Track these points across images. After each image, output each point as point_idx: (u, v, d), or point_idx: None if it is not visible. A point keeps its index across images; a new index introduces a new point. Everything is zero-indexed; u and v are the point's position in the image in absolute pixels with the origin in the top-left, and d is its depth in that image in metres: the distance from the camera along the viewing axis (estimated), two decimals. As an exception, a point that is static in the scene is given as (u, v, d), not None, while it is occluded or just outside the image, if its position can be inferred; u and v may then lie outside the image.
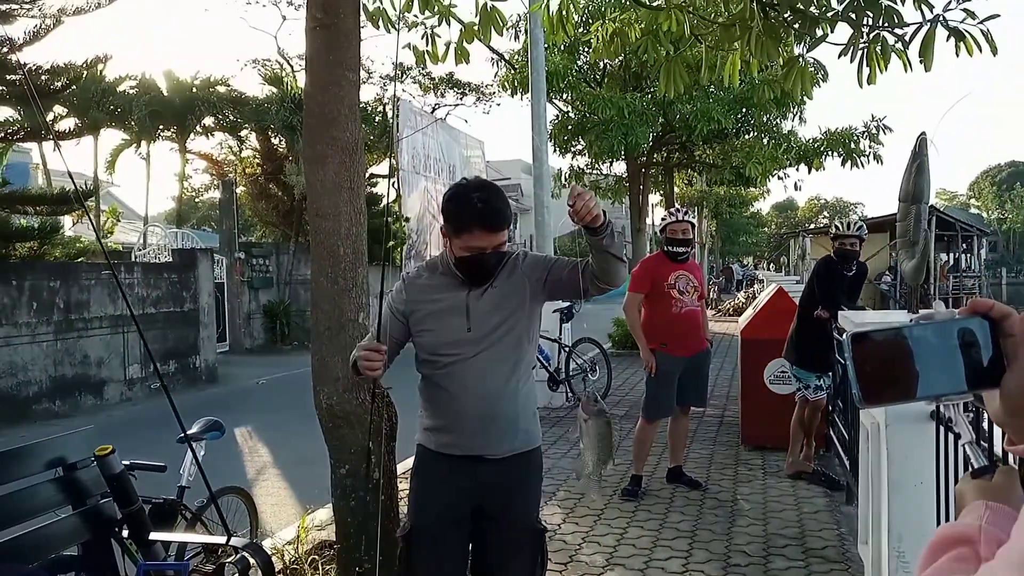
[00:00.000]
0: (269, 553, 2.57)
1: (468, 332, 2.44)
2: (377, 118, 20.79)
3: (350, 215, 3.42)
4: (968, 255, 29.67)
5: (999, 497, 0.82)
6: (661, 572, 4.24)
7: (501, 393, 2.46)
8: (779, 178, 16.47)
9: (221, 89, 20.01)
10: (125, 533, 2.61)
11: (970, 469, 0.92)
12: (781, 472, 6.04)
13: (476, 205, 2.36)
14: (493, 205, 2.38)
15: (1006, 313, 0.84)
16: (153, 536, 2.67)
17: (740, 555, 4.46)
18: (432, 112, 21.50)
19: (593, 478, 2.73)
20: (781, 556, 4.43)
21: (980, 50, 4.20)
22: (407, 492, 2.69)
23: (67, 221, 14.11)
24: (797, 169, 15.87)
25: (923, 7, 4.06)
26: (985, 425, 2.36)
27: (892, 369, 0.85)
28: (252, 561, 2.45)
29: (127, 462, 3.21)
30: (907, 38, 4.11)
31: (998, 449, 2.10)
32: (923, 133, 5.45)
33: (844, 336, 0.88)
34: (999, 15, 4.10)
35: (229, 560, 2.45)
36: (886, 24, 4.15)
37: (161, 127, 19.96)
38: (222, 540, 2.45)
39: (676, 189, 23.38)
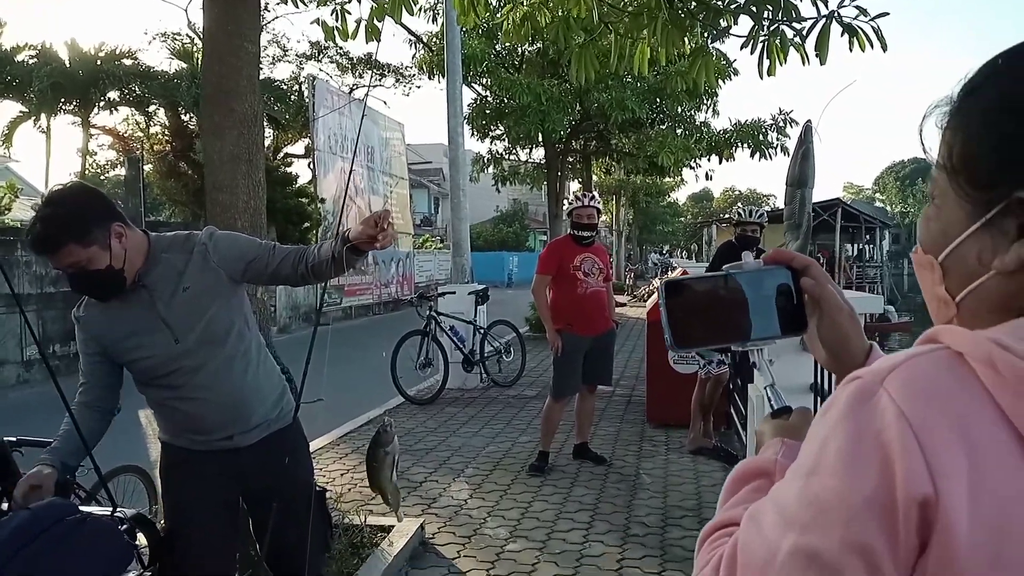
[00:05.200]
0: (159, 529, 2.53)
1: (177, 344, 2.28)
2: (292, 96, 20.34)
3: (248, 188, 3.37)
4: (871, 246, 31.00)
5: (795, 435, 0.89)
6: (562, 543, 4.35)
7: (241, 389, 2.37)
8: (691, 168, 16.86)
9: (127, 62, 19.24)
10: (5, 506, 2.53)
11: (769, 410, 0.99)
12: (683, 448, 6.25)
13: (33, 227, 2.16)
14: (37, 231, 2.14)
15: (807, 263, 0.91)
16: (37, 511, 2.60)
17: (639, 526, 4.62)
18: (350, 93, 21.18)
19: (391, 502, 2.79)
20: (678, 526, 4.61)
21: (872, 46, 4.41)
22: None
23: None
24: (709, 159, 16.29)
25: (819, 3, 4.26)
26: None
27: (706, 315, 0.91)
28: (140, 535, 2.42)
29: (12, 438, 3.12)
30: (804, 32, 4.30)
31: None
32: (808, 121, 5.72)
33: (658, 283, 0.92)
34: (888, 13, 4.33)
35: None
36: (784, 18, 4.33)
37: (63, 100, 19.09)
38: (107, 511, 2.41)
39: (594, 177, 23.68)
